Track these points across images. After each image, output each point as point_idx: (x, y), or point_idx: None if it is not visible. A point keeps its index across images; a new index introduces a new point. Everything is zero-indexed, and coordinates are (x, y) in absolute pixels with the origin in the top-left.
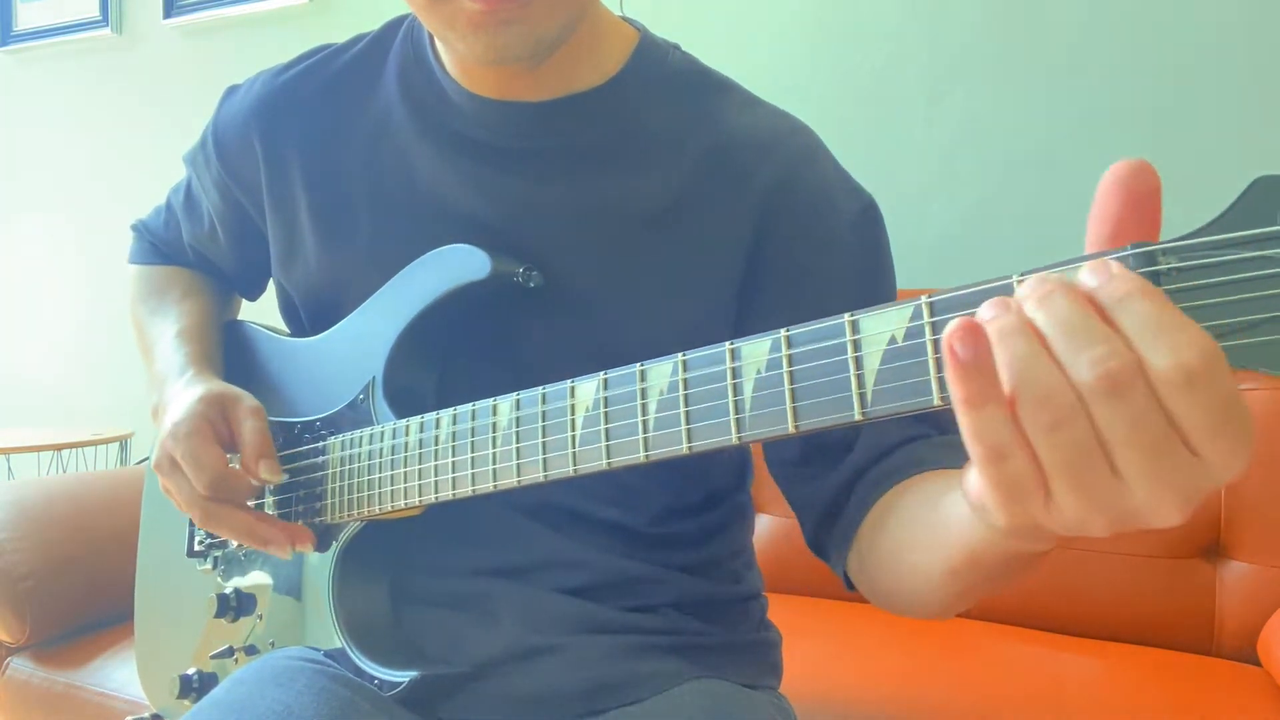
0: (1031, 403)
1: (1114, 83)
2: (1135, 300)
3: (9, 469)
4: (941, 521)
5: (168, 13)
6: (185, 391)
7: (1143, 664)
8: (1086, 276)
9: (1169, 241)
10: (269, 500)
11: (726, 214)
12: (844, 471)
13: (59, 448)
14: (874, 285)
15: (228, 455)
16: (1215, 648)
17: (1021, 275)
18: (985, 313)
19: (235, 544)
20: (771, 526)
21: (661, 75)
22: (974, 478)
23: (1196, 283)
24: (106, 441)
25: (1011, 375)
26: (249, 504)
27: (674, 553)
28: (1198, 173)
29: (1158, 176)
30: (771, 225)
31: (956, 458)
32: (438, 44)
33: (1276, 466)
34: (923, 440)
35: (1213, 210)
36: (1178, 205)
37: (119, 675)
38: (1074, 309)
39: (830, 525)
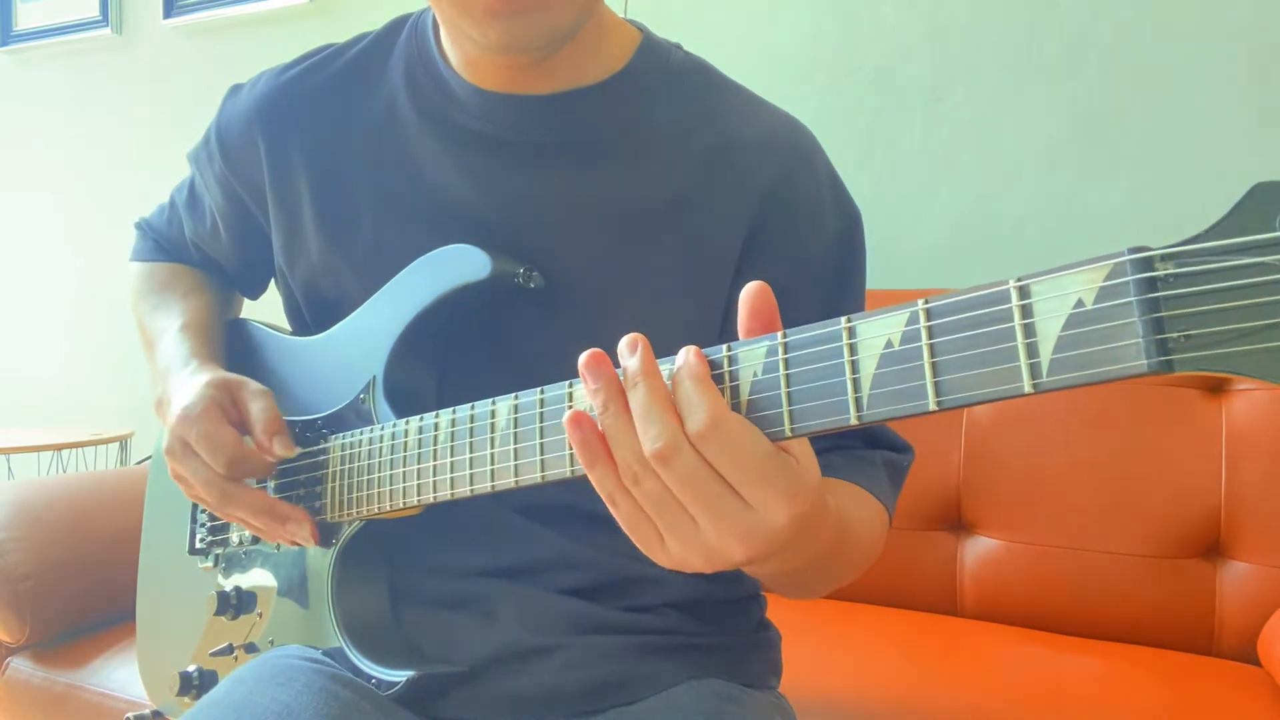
0: (621, 465)
1: (1114, 83)
2: (681, 382)
3: (9, 469)
4: None
5: (168, 13)
6: (191, 379)
7: (1143, 664)
8: (679, 356)
9: (1167, 247)
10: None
11: (726, 212)
12: None
13: (59, 448)
14: (837, 303)
15: (241, 436)
16: (1215, 648)
17: (1019, 280)
18: (591, 383)
19: (236, 541)
20: None
21: (665, 72)
22: None
23: (1194, 289)
24: (106, 441)
25: (611, 445)
26: None
27: None
28: (1197, 173)
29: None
30: (765, 225)
31: (862, 472)
32: (443, 40)
33: (1276, 466)
34: (841, 452)
35: (1211, 209)
36: (1177, 205)
37: (119, 675)
38: (645, 396)
39: None
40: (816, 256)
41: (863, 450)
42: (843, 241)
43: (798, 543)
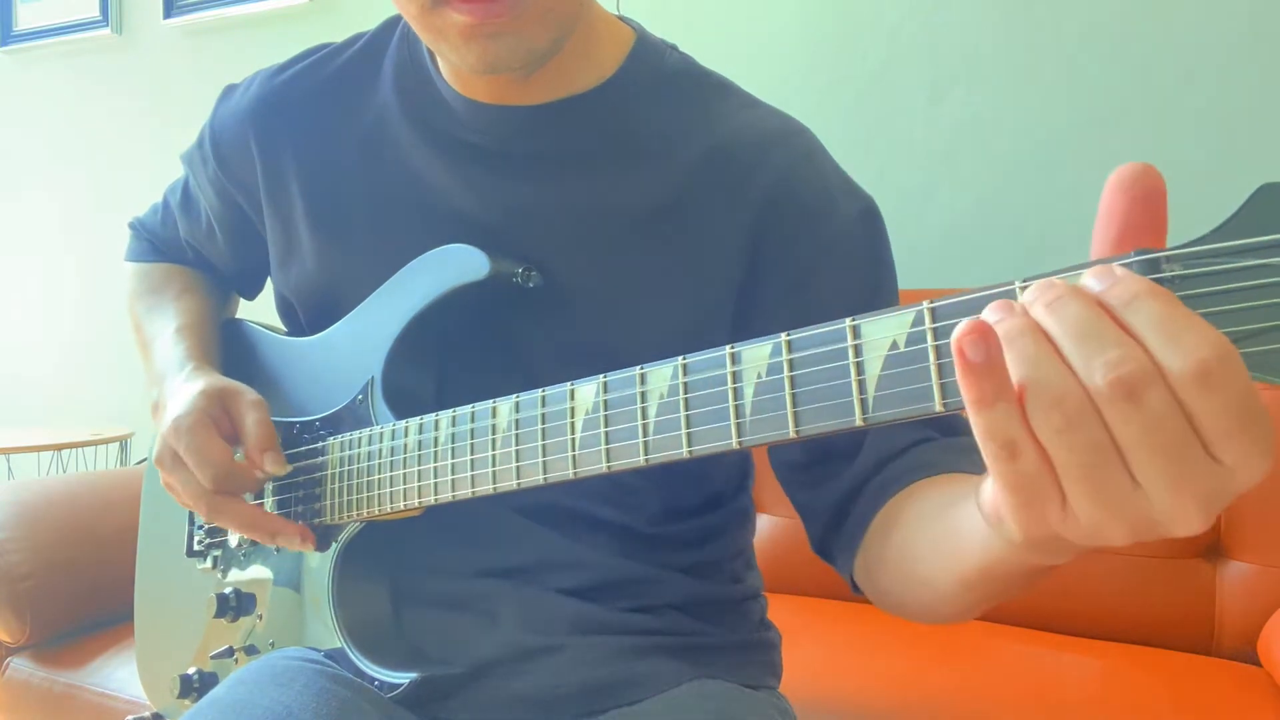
0: (1043, 405)
1: (1114, 83)
2: (1144, 301)
3: (9, 469)
4: (952, 532)
5: (168, 13)
6: (186, 386)
7: (1143, 664)
8: (1091, 281)
9: (1173, 248)
10: (269, 500)
11: (724, 215)
12: (850, 476)
13: (59, 448)
14: (876, 283)
15: (232, 449)
16: (1215, 648)
17: (1024, 281)
18: (990, 315)
19: (235, 543)
20: (771, 526)
21: (658, 76)
22: (989, 487)
23: (1200, 290)
24: (106, 441)
25: (1021, 377)
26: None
27: (674, 553)
28: (1199, 172)
29: (1162, 179)
30: (771, 226)
31: (963, 461)
32: None
33: (1277, 466)
34: (929, 443)
35: (1214, 208)
36: (1178, 204)
37: (119, 675)
38: (1084, 312)
39: (836, 530)
40: (838, 238)
41: (944, 439)
42: (864, 221)
43: None
